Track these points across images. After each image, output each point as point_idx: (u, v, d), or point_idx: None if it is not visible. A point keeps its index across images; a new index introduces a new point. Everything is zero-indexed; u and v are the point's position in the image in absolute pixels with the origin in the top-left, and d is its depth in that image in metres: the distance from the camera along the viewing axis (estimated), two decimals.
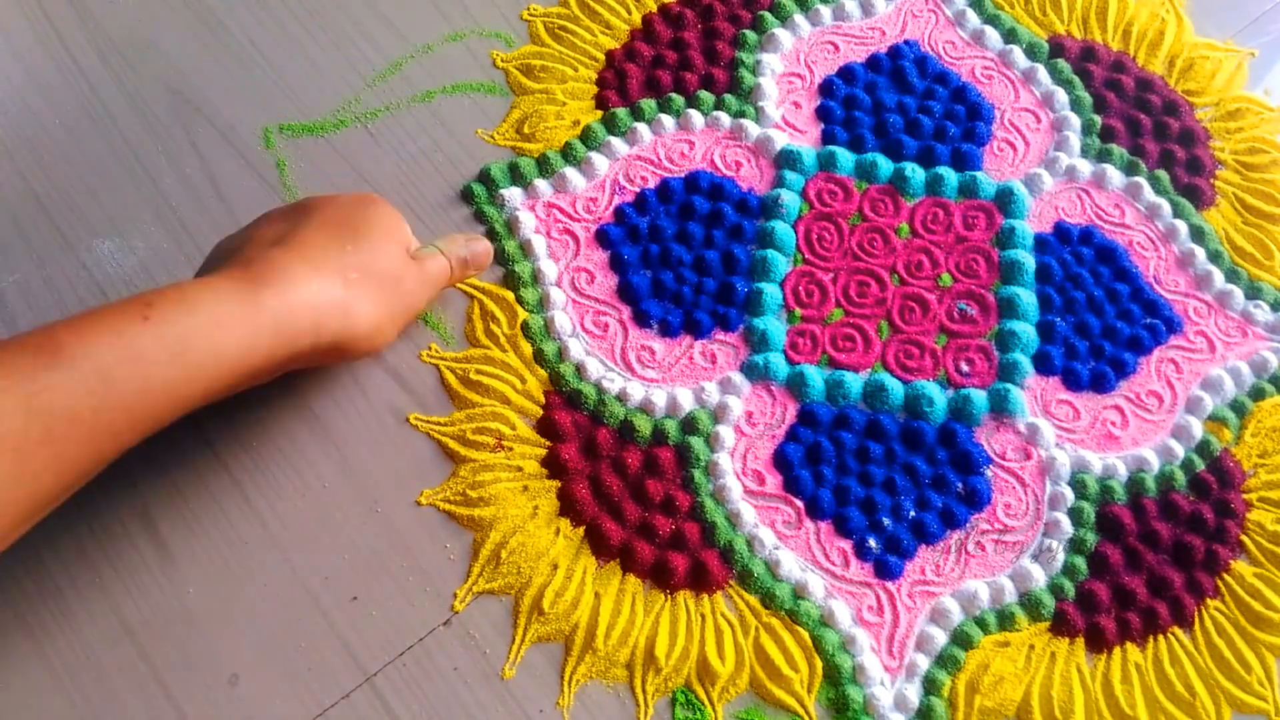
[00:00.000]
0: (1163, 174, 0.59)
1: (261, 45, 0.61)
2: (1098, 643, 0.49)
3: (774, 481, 0.51)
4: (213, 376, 0.41)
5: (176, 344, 0.40)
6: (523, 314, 0.54)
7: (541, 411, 0.52)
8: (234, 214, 0.56)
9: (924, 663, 0.48)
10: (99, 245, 0.55)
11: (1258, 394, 0.54)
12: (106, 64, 0.60)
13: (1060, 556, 0.50)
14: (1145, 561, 0.51)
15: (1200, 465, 0.53)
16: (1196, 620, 0.50)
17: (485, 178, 0.57)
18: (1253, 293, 0.57)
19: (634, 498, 0.51)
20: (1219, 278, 0.57)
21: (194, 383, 0.40)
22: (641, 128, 0.59)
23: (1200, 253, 0.57)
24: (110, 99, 0.59)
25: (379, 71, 0.60)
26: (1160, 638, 0.49)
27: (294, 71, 0.60)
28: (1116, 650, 0.49)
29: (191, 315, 0.40)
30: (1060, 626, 0.49)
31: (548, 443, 0.52)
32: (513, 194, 0.57)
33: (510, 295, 0.55)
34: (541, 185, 0.57)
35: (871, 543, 0.50)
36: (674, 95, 0.60)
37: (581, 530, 0.50)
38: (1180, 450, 0.53)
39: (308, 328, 0.43)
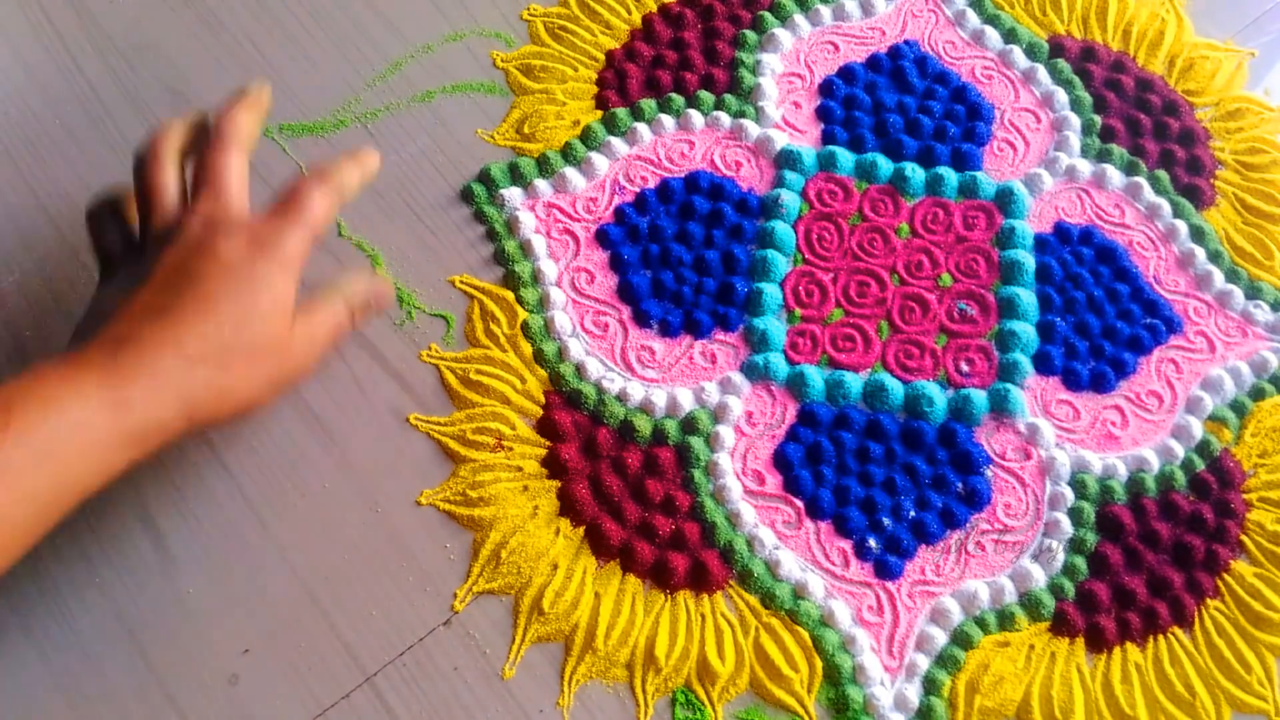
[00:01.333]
0: (1163, 174, 0.59)
1: (261, 45, 0.61)
2: (1098, 643, 0.49)
3: (774, 481, 0.51)
4: (85, 477, 0.39)
5: (42, 452, 0.38)
6: (523, 314, 0.54)
7: (541, 411, 0.52)
8: None
9: (924, 663, 0.48)
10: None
11: (1258, 394, 0.54)
12: (106, 64, 0.60)
13: (1060, 556, 0.50)
14: (1145, 561, 0.51)
15: (1200, 465, 0.53)
16: (1196, 620, 0.50)
17: (485, 178, 0.57)
18: (1253, 293, 0.57)
19: (634, 498, 0.51)
20: (1219, 278, 0.57)
21: (66, 488, 0.39)
22: (641, 128, 0.59)
23: (1200, 253, 0.57)
24: (110, 99, 0.59)
25: (379, 72, 0.60)
26: (1160, 638, 0.49)
27: (294, 71, 0.60)
28: (1116, 650, 0.49)
29: (57, 418, 0.38)
30: (1060, 626, 0.49)
31: (548, 443, 0.52)
32: (513, 194, 0.57)
33: (510, 295, 0.55)
34: (541, 185, 0.57)
35: (871, 543, 0.50)
36: (674, 95, 0.60)
37: (581, 530, 0.50)
38: (1180, 450, 0.53)
39: (179, 420, 0.41)
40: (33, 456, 0.38)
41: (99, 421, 0.39)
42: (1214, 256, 0.57)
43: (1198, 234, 0.58)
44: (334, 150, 0.58)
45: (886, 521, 0.51)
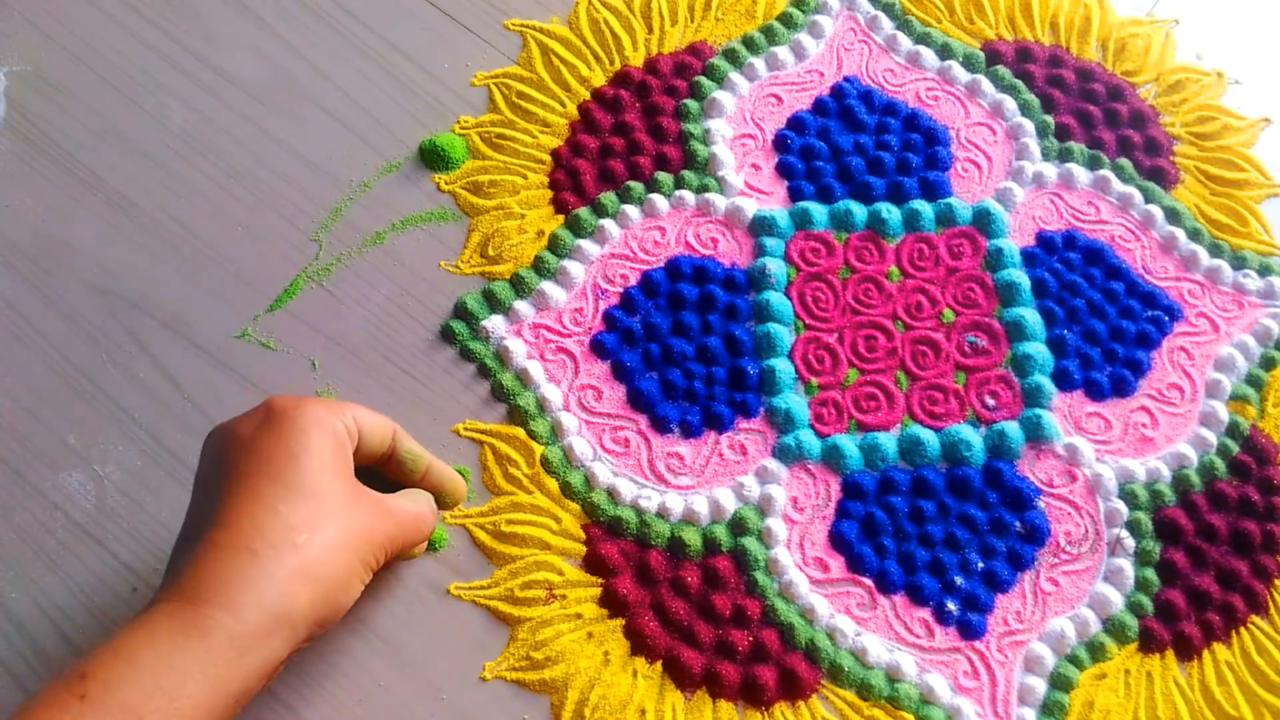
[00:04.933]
0: (1125, 162, 0.59)
1: (184, 219, 0.56)
2: (1187, 650, 0.49)
3: (837, 565, 0.50)
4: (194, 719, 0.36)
5: (125, 712, 0.34)
6: (539, 448, 0.52)
7: (585, 548, 0.50)
8: (205, 412, 0.52)
9: (1031, 716, 0.47)
10: (65, 479, 0.50)
11: (1268, 363, 0.55)
12: (18, 274, 0.55)
13: (1132, 542, 0.50)
14: (1209, 558, 0.51)
15: (1235, 448, 0.53)
16: (1270, 604, 0.50)
17: (462, 312, 0.54)
18: (1238, 263, 0.57)
19: (703, 617, 0.49)
20: (1204, 255, 0.57)
21: None
22: (608, 224, 0.57)
23: (1180, 234, 0.58)
24: (33, 312, 0.54)
25: (320, 222, 0.56)
26: (1243, 630, 0.50)
27: (228, 241, 0.56)
28: (1206, 654, 0.49)
29: (134, 671, 0.35)
30: (1148, 644, 0.49)
31: (600, 580, 0.49)
32: (495, 323, 0.54)
33: (520, 431, 0.52)
34: (522, 307, 0.55)
35: (950, 605, 0.49)
36: (632, 183, 0.57)
37: (659, 665, 0.48)
38: (1213, 437, 0.53)
39: (274, 624, 0.37)
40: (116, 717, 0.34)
41: (184, 662, 0.36)
42: (1194, 234, 0.58)
43: (1173, 215, 0.58)
44: (295, 318, 0.54)
45: (959, 580, 0.50)
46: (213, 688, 0.36)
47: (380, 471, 0.47)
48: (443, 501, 0.49)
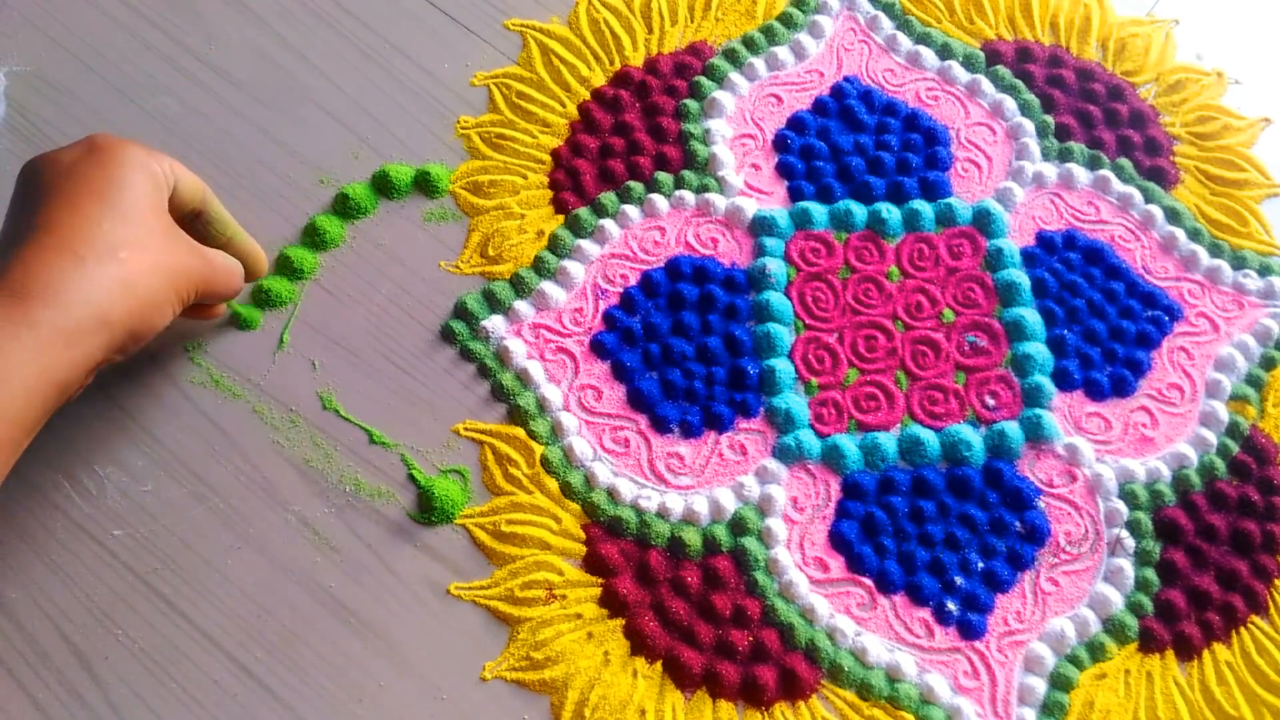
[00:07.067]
0: (1125, 161, 0.59)
1: None
2: (1187, 650, 0.49)
3: (837, 565, 0.50)
4: (18, 409, 0.39)
5: None
6: (539, 449, 0.52)
7: (585, 548, 0.50)
8: (204, 411, 0.52)
9: (1031, 716, 0.47)
10: (64, 479, 0.50)
11: (1269, 363, 0.55)
12: None
13: (1132, 542, 0.50)
14: (1209, 558, 0.51)
15: (1235, 448, 0.53)
16: (1270, 604, 0.50)
17: (462, 312, 0.54)
18: (1238, 263, 0.57)
19: (703, 617, 0.49)
20: (1204, 255, 0.57)
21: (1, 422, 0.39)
22: (608, 224, 0.57)
23: (1180, 234, 0.58)
24: None
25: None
26: (1243, 630, 0.50)
27: None
28: (1206, 654, 0.49)
29: None
30: (1148, 644, 0.49)
31: (600, 580, 0.49)
32: (495, 323, 0.54)
33: (520, 431, 0.52)
34: (522, 307, 0.55)
35: (950, 605, 0.49)
36: (632, 183, 0.57)
37: (659, 665, 0.48)
38: (1213, 437, 0.53)
39: (96, 324, 0.41)
40: None
41: (12, 349, 0.39)
42: (1194, 234, 0.58)
43: (1173, 215, 0.58)
44: (299, 321, 0.54)
45: (959, 580, 0.50)
46: (39, 374, 0.39)
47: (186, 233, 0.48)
48: (246, 272, 0.51)
